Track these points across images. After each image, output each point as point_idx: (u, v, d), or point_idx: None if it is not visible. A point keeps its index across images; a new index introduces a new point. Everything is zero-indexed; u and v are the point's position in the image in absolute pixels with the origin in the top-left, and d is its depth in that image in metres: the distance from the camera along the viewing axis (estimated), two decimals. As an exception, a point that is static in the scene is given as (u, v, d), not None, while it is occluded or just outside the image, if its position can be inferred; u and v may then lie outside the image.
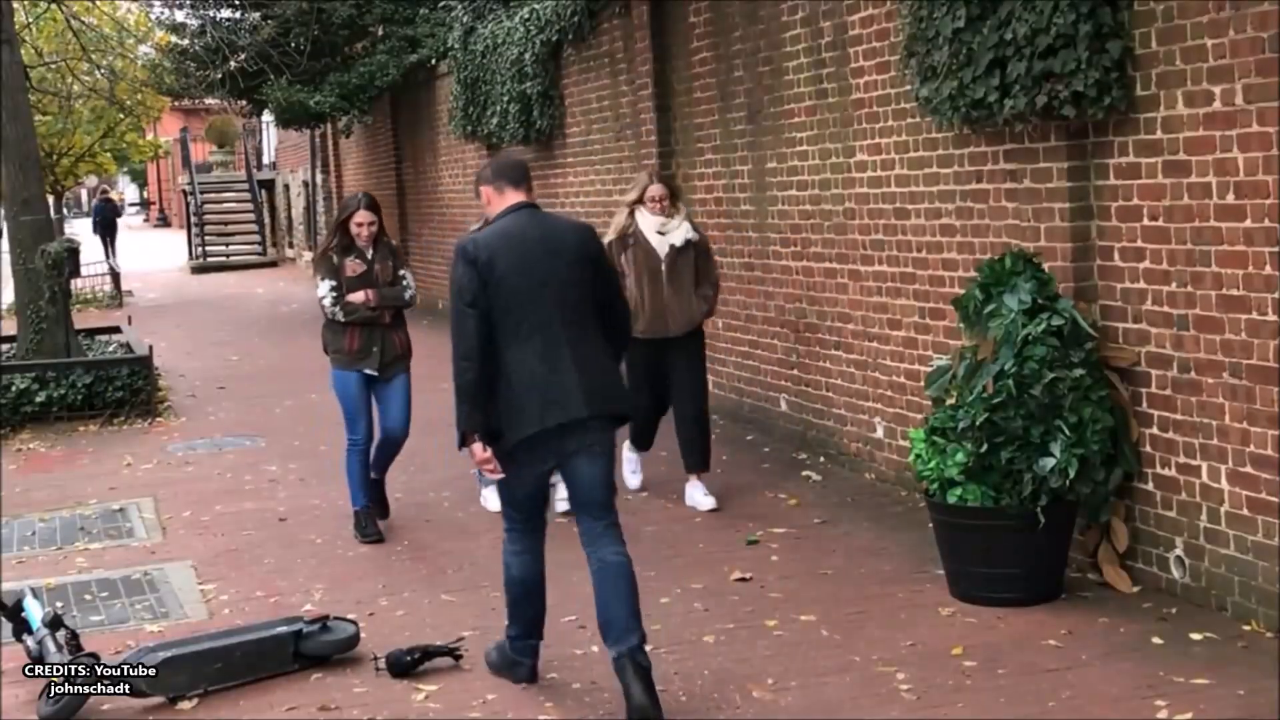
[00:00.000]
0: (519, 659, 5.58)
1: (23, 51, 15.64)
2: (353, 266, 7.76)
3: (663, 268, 8.01)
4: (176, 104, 32.06)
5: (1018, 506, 6.06)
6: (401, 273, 7.87)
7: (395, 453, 8.13)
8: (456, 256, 5.28)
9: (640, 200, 8.09)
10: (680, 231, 8.05)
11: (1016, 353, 6.07)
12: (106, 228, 33.70)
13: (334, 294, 7.76)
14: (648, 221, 8.05)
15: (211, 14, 19.79)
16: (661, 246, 8.02)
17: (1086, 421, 6.02)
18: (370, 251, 7.81)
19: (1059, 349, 6.05)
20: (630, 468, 8.56)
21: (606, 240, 7.94)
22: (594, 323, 5.31)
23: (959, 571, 6.30)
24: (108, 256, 30.56)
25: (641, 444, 8.53)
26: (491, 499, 8.04)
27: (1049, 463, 5.98)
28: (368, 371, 7.80)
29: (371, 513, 7.98)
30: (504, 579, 5.55)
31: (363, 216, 7.77)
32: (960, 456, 6.14)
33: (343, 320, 7.77)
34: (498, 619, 6.29)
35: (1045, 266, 6.42)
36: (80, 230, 35.73)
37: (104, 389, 12.36)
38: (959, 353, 6.47)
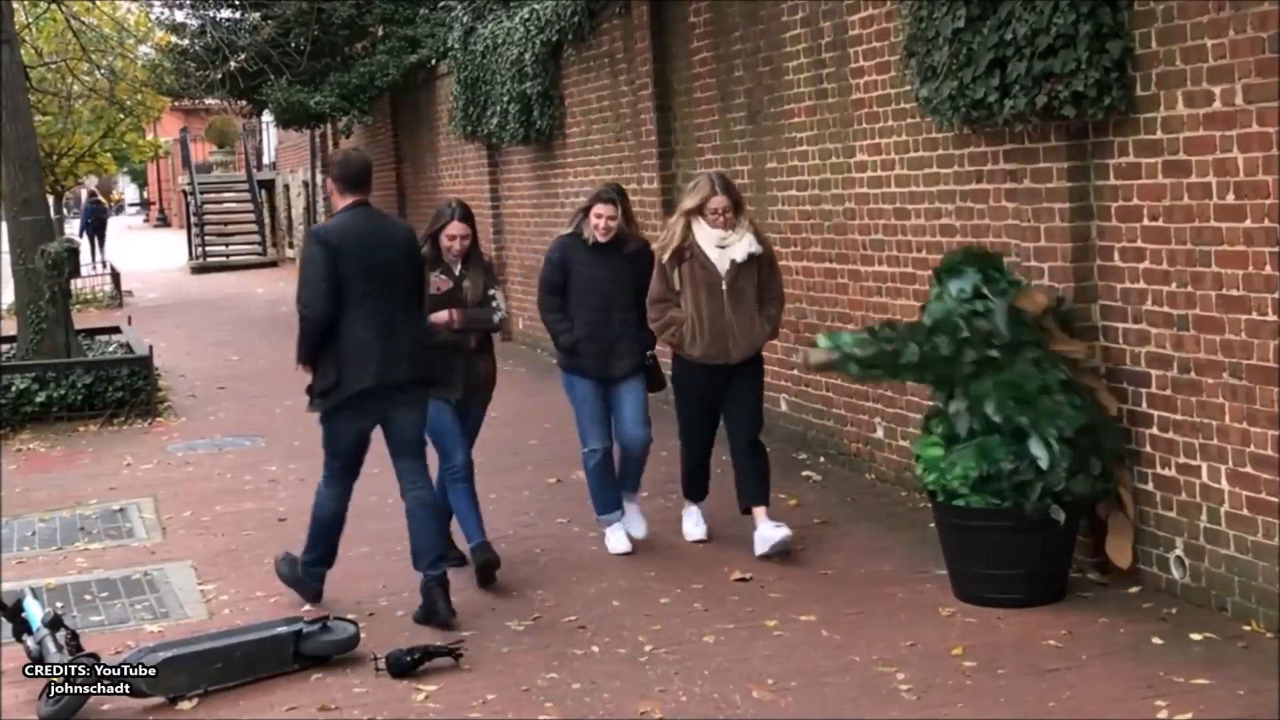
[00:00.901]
0: (310, 582, 6.78)
1: (23, 51, 15.64)
2: (437, 283, 6.98)
3: (723, 285, 7.07)
4: (176, 104, 32.04)
5: (1019, 508, 6.03)
6: (492, 292, 7.15)
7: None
8: (310, 241, 6.46)
9: (699, 210, 7.12)
10: (743, 245, 7.09)
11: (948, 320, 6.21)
12: (96, 228, 33.95)
13: None
14: (706, 234, 7.10)
15: (211, 14, 19.79)
16: (722, 262, 7.07)
17: (1048, 416, 6.02)
18: (458, 267, 7.08)
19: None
20: (692, 520, 7.60)
21: (660, 257, 7.23)
22: (414, 302, 6.56)
23: (963, 572, 6.29)
24: (95, 256, 31.08)
25: (696, 493, 7.60)
26: (616, 541, 7.40)
27: (1042, 456, 5.97)
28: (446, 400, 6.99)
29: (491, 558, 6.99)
30: (314, 513, 6.74)
31: (456, 229, 7.05)
32: (959, 470, 6.11)
33: None
34: (497, 618, 6.31)
35: (1045, 270, 6.43)
36: (79, 230, 35.94)
37: (104, 389, 12.36)
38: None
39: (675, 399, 7.46)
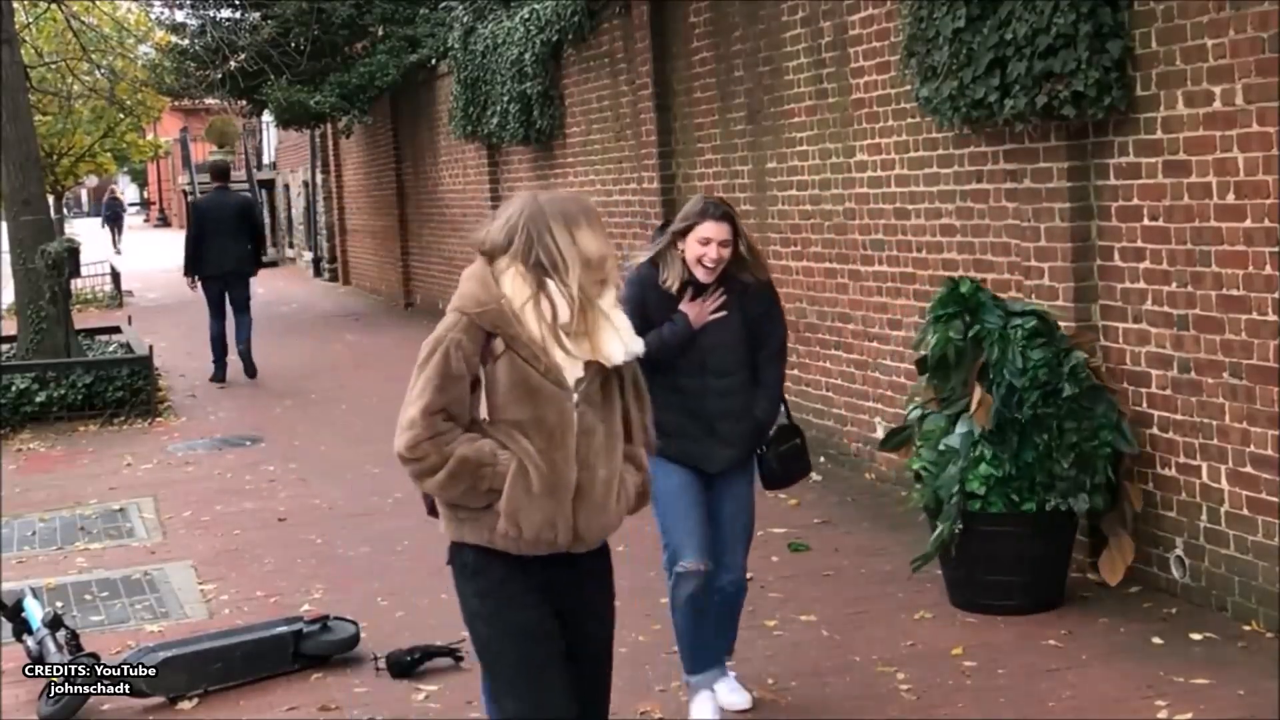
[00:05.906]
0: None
1: (23, 51, 15.64)
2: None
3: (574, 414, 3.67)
4: (176, 104, 32.04)
5: (1037, 510, 5.97)
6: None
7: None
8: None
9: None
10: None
11: (1021, 368, 5.93)
12: (114, 220, 44.61)
13: None
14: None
15: (211, 14, 19.78)
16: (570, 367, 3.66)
17: (1082, 435, 5.95)
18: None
19: (1050, 359, 5.96)
20: None
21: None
22: None
23: (962, 578, 6.23)
24: (114, 244, 39.01)
25: None
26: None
27: (1078, 496, 5.92)
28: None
29: None
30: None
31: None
32: (984, 469, 5.95)
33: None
34: (498, 619, 6.28)
35: (1045, 269, 6.43)
36: (80, 230, 36.45)
37: (104, 389, 12.36)
38: (918, 407, 6.37)
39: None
